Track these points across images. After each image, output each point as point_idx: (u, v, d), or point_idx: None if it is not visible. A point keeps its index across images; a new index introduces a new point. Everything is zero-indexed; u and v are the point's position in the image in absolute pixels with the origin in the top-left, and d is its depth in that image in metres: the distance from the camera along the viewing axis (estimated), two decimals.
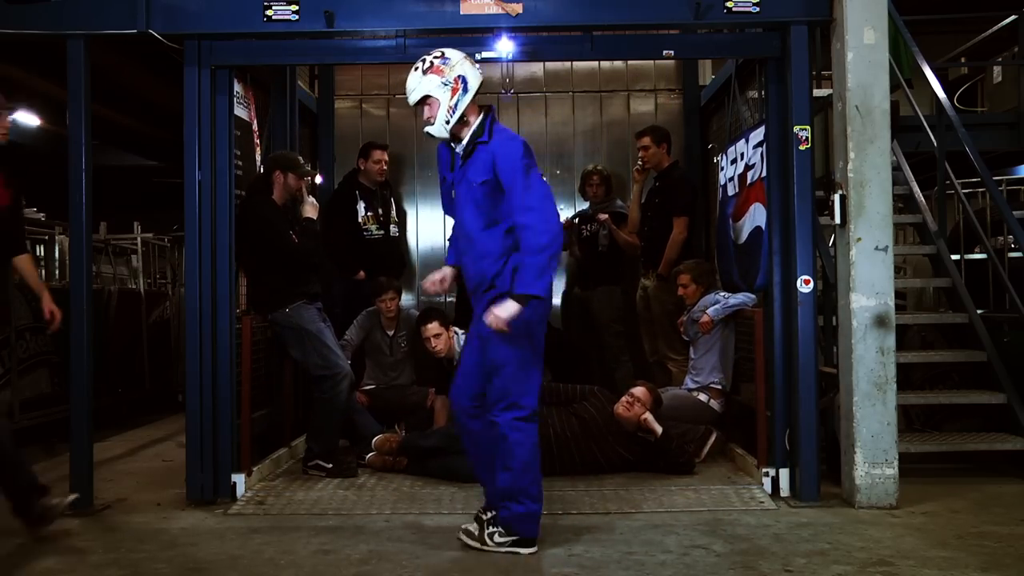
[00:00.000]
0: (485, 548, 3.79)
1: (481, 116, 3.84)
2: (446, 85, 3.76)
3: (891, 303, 4.51)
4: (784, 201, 4.74)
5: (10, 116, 4.39)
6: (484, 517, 3.88)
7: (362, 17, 4.63)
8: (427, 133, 3.84)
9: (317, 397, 5.28)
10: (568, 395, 5.47)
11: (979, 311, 5.79)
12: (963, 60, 8.65)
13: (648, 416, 5.22)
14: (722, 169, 5.96)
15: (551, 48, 5.01)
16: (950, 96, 7.02)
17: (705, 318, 5.67)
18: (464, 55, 3.86)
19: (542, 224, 3.65)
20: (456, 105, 3.76)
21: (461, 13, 4.58)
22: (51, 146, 10.73)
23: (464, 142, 3.83)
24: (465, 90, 3.78)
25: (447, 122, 3.78)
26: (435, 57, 3.79)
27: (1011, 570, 3.57)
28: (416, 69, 3.79)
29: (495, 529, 3.80)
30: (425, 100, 3.79)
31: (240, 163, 5.18)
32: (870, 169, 4.51)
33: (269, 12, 4.56)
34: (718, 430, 5.68)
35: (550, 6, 4.60)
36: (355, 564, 3.73)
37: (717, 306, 5.67)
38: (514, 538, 3.78)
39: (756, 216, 5.15)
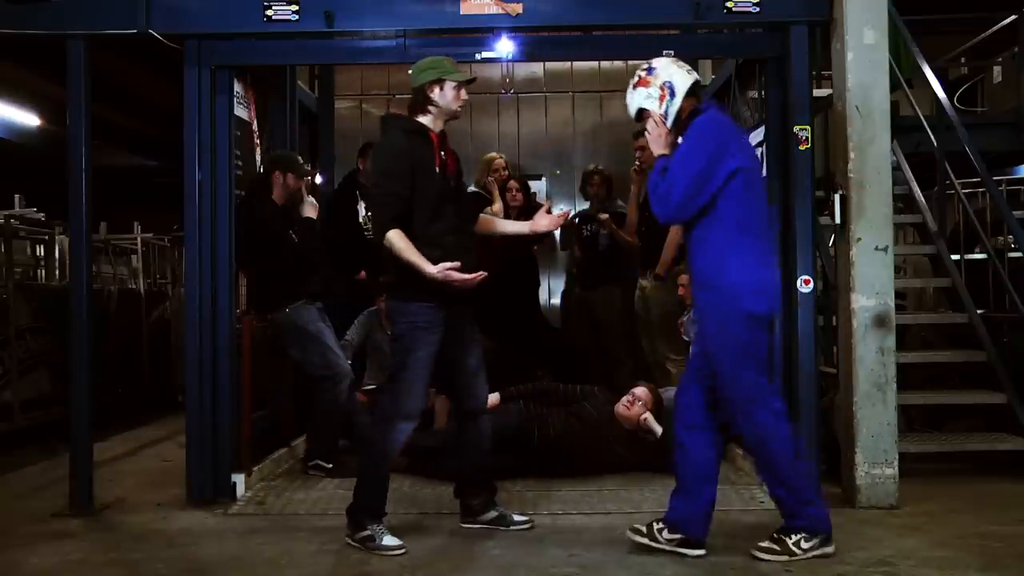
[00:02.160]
0: (656, 545, 3.73)
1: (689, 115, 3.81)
2: (651, 97, 3.77)
3: (891, 303, 4.51)
4: (784, 201, 4.73)
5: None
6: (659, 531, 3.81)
7: (362, 17, 4.63)
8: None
9: (317, 397, 5.28)
10: (568, 395, 5.48)
11: (979, 311, 5.79)
12: (963, 60, 8.65)
13: (648, 416, 5.22)
14: None
15: (551, 48, 5.01)
16: (950, 96, 7.02)
17: None
18: (671, 60, 3.85)
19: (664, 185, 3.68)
20: (667, 112, 3.77)
21: (461, 13, 4.57)
22: (51, 146, 10.73)
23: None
24: (672, 95, 3.75)
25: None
26: (642, 70, 3.82)
27: (1011, 570, 3.57)
28: (630, 85, 3.85)
29: (800, 535, 3.69)
30: (641, 114, 3.83)
31: (240, 163, 5.18)
32: (870, 169, 4.51)
33: (269, 12, 4.56)
34: None
35: (550, 6, 4.60)
36: (355, 564, 3.73)
37: None
38: (818, 540, 3.70)
39: None
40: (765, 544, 3.71)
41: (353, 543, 3.90)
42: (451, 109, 3.94)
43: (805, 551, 3.66)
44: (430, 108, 3.92)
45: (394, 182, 3.82)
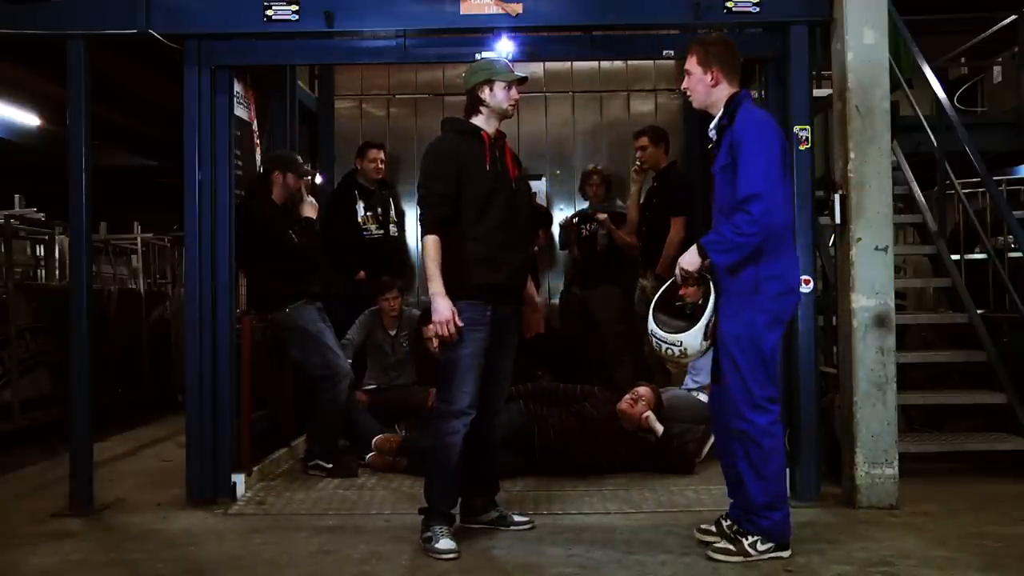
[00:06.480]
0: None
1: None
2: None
3: (891, 303, 4.51)
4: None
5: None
6: (729, 528, 3.82)
7: (362, 17, 4.63)
8: None
9: (317, 397, 5.28)
10: (568, 395, 5.48)
11: (979, 311, 5.79)
12: (963, 60, 8.64)
13: (650, 415, 5.23)
14: None
15: (551, 48, 5.01)
16: (950, 96, 7.02)
17: None
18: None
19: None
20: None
21: (461, 13, 4.57)
22: (51, 146, 10.73)
23: None
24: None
25: None
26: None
27: (1011, 570, 3.58)
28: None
29: (755, 538, 3.68)
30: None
31: (240, 163, 5.18)
32: (870, 169, 4.51)
33: (269, 12, 4.56)
34: None
35: (550, 6, 4.60)
36: (355, 564, 3.73)
37: None
38: (773, 544, 3.69)
39: None
40: (721, 544, 3.74)
41: (421, 541, 3.91)
42: (502, 108, 4.00)
43: (761, 552, 3.67)
44: (482, 109, 4.01)
45: (437, 183, 3.91)
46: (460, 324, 3.83)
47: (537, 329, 4.34)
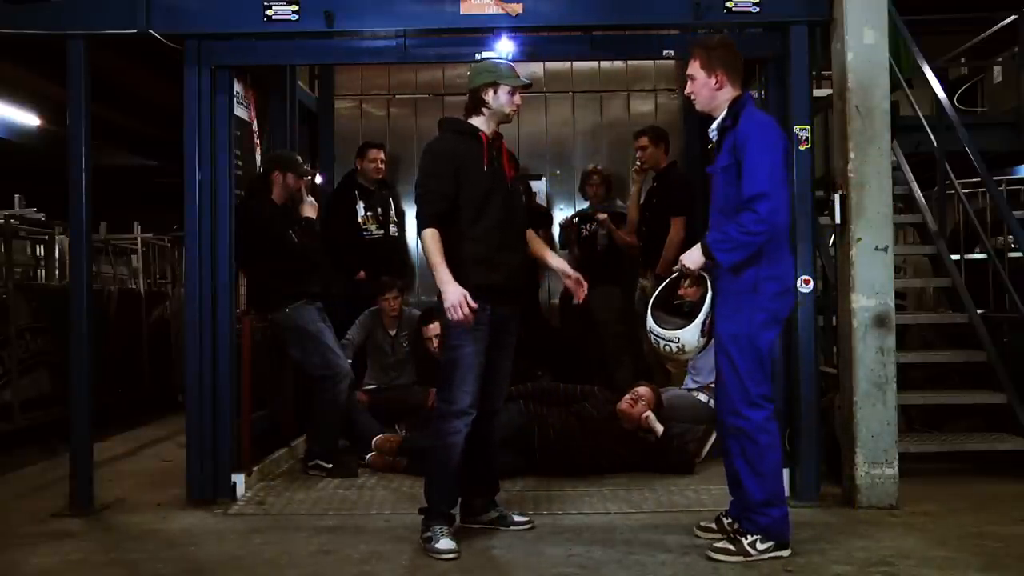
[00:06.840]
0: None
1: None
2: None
3: (891, 303, 4.51)
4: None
5: None
6: (730, 525, 3.83)
7: (362, 17, 4.63)
8: None
9: (317, 397, 5.28)
10: (568, 395, 5.48)
11: (979, 311, 5.79)
12: (963, 60, 8.65)
13: (650, 415, 5.23)
14: None
15: (551, 48, 5.01)
16: (950, 96, 7.02)
17: None
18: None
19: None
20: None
21: (461, 13, 4.57)
22: (51, 146, 10.73)
23: None
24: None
25: None
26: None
27: (1011, 570, 3.58)
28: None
29: (755, 537, 3.68)
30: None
31: (240, 163, 5.18)
32: (870, 169, 4.51)
33: (269, 12, 4.56)
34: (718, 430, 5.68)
35: (550, 6, 4.60)
36: (355, 564, 3.73)
37: None
38: (773, 543, 3.70)
39: None
40: (721, 544, 3.75)
41: (421, 541, 3.91)
42: (503, 112, 4.01)
43: (760, 552, 3.67)
44: (483, 110, 4.01)
45: (435, 181, 3.91)
46: (474, 305, 3.79)
47: (580, 294, 4.37)
